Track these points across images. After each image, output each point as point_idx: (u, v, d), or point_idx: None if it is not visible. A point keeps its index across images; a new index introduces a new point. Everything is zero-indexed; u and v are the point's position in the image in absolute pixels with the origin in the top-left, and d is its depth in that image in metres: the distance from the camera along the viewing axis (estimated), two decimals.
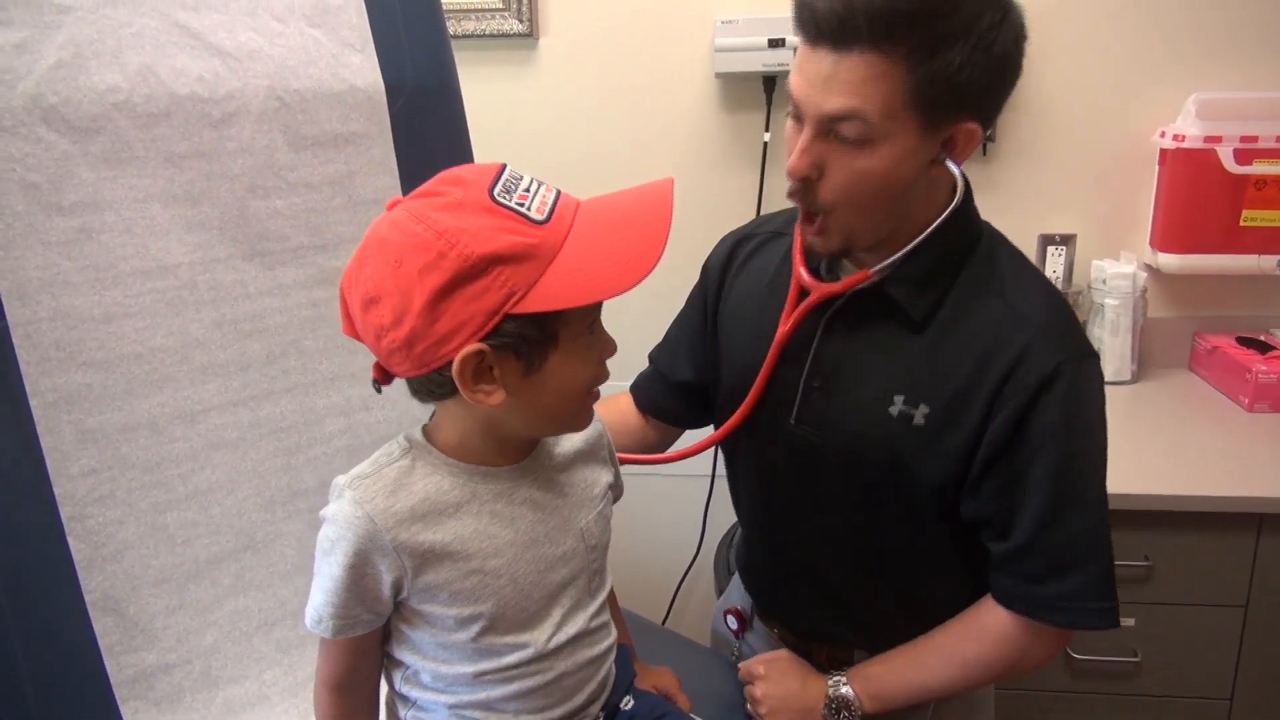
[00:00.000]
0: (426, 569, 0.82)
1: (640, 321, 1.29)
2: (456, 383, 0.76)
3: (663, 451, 1.31)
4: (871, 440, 1.03)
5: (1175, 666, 1.54)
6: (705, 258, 1.24)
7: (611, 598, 1.05)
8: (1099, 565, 1.00)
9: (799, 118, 0.95)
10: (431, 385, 0.80)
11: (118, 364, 1.01)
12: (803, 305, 1.06)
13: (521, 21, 1.89)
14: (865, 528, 1.08)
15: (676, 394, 1.27)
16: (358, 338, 0.81)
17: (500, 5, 1.88)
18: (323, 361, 1.17)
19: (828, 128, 0.92)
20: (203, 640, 1.06)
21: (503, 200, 0.75)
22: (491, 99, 1.94)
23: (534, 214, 0.75)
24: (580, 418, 0.86)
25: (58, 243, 0.97)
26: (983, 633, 1.05)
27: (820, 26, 0.88)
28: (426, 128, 1.28)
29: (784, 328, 1.08)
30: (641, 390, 1.31)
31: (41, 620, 0.95)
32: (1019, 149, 1.90)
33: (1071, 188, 1.92)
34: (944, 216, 0.98)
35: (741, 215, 1.96)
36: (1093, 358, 1.00)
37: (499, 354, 0.76)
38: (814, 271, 1.06)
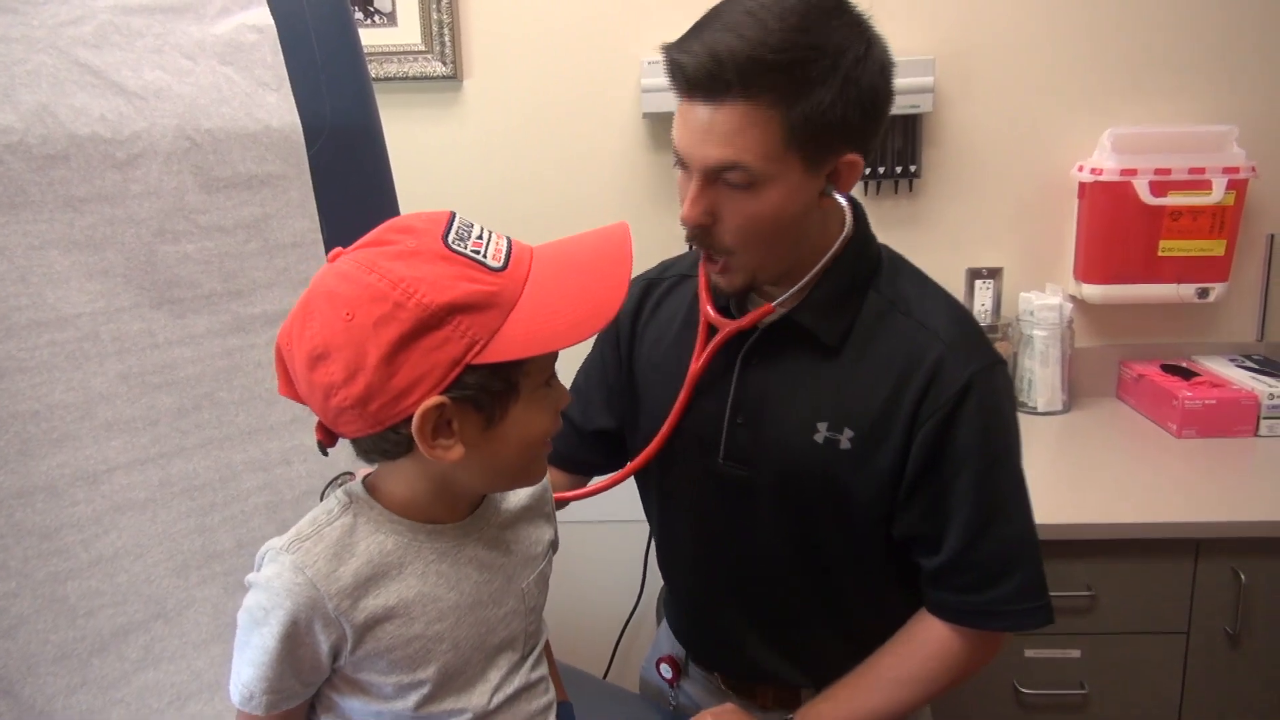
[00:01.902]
0: (368, 636, 0.77)
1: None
2: (415, 438, 0.72)
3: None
4: (802, 470, 1.04)
5: (1123, 696, 1.53)
6: None
7: (548, 654, 1.00)
8: (1029, 567, 1.03)
9: (686, 168, 0.97)
10: (384, 445, 0.75)
11: (11, 423, 0.93)
12: (713, 343, 1.07)
13: (445, 64, 1.86)
14: (803, 556, 1.08)
15: (590, 443, 1.25)
16: (297, 399, 0.76)
17: (423, 48, 1.85)
18: (239, 414, 1.10)
19: (714, 176, 0.94)
20: None
21: (458, 248, 0.72)
22: (415, 142, 1.90)
23: (491, 261, 0.73)
24: (535, 470, 0.83)
25: None
26: (923, 648, 1.06)
27: (691, 81, 0.91)
28: (347, 169, 1.23)
29: (695, 365, 1.08)
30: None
31: None
32: (944, 186, 1.93)
33: (996, 222, 1.95)
34: (839, 244, 1.01)
35: (670, 255, 1.94)
36: (1000, 365, 1.03)
37: (459, 407, 0.72)
38: (723, 309, 1.08)
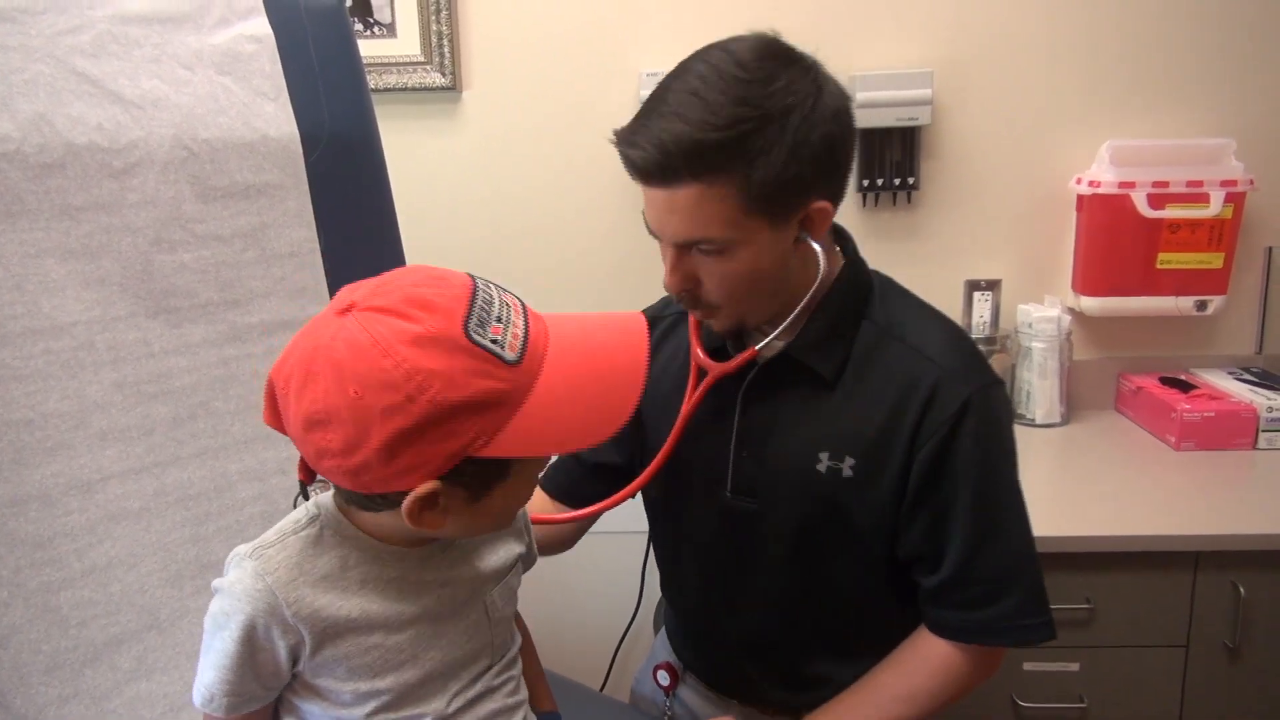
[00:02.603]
0: (326, 644, 0.77)
1: None
2: (404, 516, 0.71)
3: (576, 534, 1.29)
4: (807, 500, 1.04)
5: (1122, 710, 1.52)
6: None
7: (534, 663, 1.00)
8: (1029, 583, 1.03)
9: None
10: (367, 502, 0.76)
11: (5, 431, 0.93)
12: (702, 385, 1.09)
13: (444, 75, 1.86)
14: (807, 584, 1.08)
15: (593, 476, 1.25)
16: (281, 430, 0.75)
17: (422, 59, 1.86)
18: (235, 423, 1.10)
19: (686, 247, 0.97)
20: None
21: (477, 337, 0.69)
22: (414, 153, 1.90)
23: (507, 353, 0.70)
24: (508, 522, 0.86)
25: None
26: (924, 664, 1.06)
27: (640, 171, 0.93)
28: (346, 179, 1.23)
29: (686, 407, 1.10)
30: (550, 479, 1.28)
31: None
32: (942, 198, 1.93)
33: (994, 234, 1.95)
34: (815, 288, 1.02)
35: None
36: (997, 385, 1.04)
37: (448, 486, 0.72)
38: (718, 350, 1.09)
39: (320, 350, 0.69)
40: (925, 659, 1.06)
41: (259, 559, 0.76)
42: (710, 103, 0.89)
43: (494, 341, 0.70)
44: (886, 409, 1.01)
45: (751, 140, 0.89)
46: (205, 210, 1.08)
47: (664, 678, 1.27)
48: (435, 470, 0.70)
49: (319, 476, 0.83)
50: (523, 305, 0.76)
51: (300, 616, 0.75)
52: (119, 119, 1.02)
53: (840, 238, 1.09)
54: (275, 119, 1.15)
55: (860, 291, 1.06)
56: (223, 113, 1.10)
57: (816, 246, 0.99)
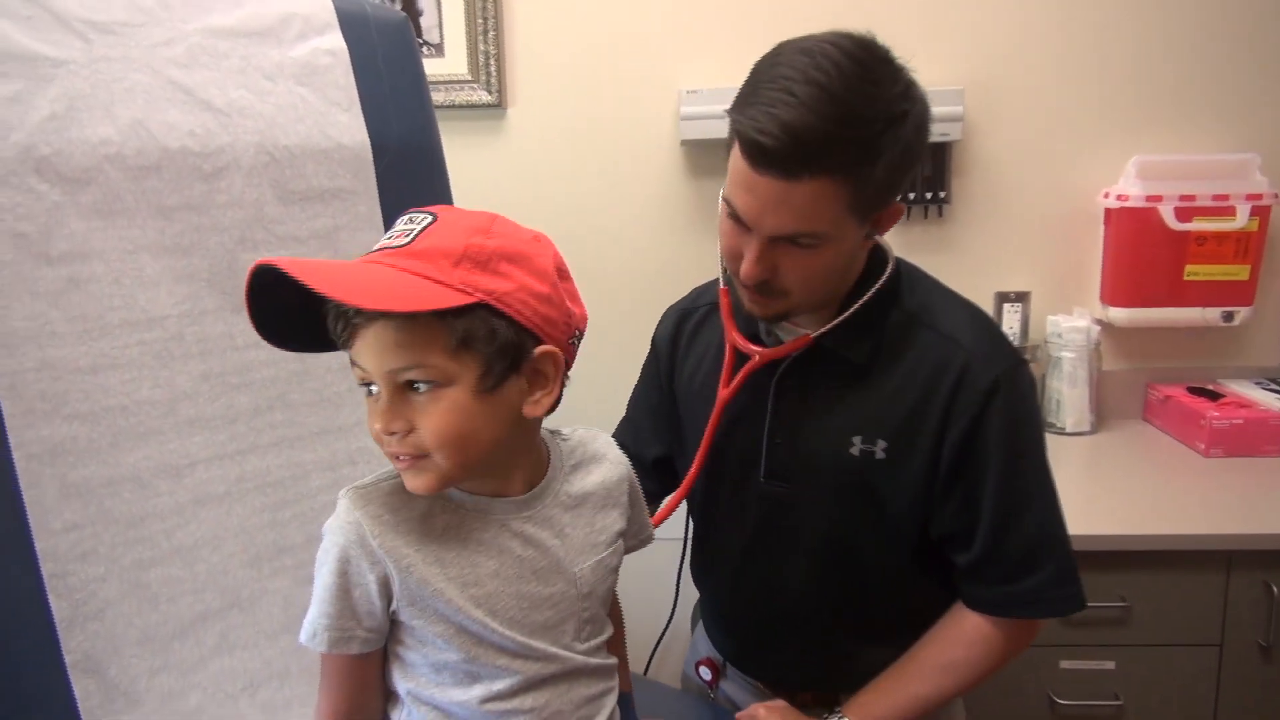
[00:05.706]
0: (411, 581, 0.82)
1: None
2: None
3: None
4: (841, 482, 1.08)
5: (1157, 709, 1.55)
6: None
7: (621, 649, 1.03)
8: (1058, 556, 1.07)
9: (740, 221, 0.99)
10: None
11: (103, 416, 0.99)
12: (745, 369, 1.11)
13: (490, 92, 1.93)
14: (843, 568, 1.12)
15: (647, 472, 1.28)
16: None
17: (469, 76, 1.93)
18: (309, 415, 1.16)
19: (780, 240, 0.97)
20: (186, 703, 1.01)
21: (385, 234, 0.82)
22: (461, 168, 1.94)
23: (377, 245, 0.81)
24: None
25: (46, 292, 0.96)
26: (961, 637, 1.10)
27: (770, 158, 0.92)
28: (411, 186, 1.29)
29: (723, 392, 1.13)
30: None
31: (20, 683, 0.91)
32: (972, 211, 1.98)
33: (1024, 247, 1.99)
34: (884, 281, 1.06)
35: (707, 279, 1.98)
36: (1023, 364, 1.08)
37: None
38: (754, 336, 1.13)
39: None
40: (962, 631, 1.10)
41: (352, 495, 0.83)
42: (837, 96, 0.89)
43: (386, 237, 0.81)
44: (917, 391, 1.05)
45: (875, 142, 0.91)
46: (285, 212, 1.14)
47: (705, 673, 1.30)
48: None
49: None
50: (422, 227, 0.80)
51: (385, 548, 0.80)
52: (209, 125, 1.08)
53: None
54: (348, 128, 1.21)
55: (890, 283, 1.10)
56: (301, 121, 1.16)
57: (885, 243, 1.04)
